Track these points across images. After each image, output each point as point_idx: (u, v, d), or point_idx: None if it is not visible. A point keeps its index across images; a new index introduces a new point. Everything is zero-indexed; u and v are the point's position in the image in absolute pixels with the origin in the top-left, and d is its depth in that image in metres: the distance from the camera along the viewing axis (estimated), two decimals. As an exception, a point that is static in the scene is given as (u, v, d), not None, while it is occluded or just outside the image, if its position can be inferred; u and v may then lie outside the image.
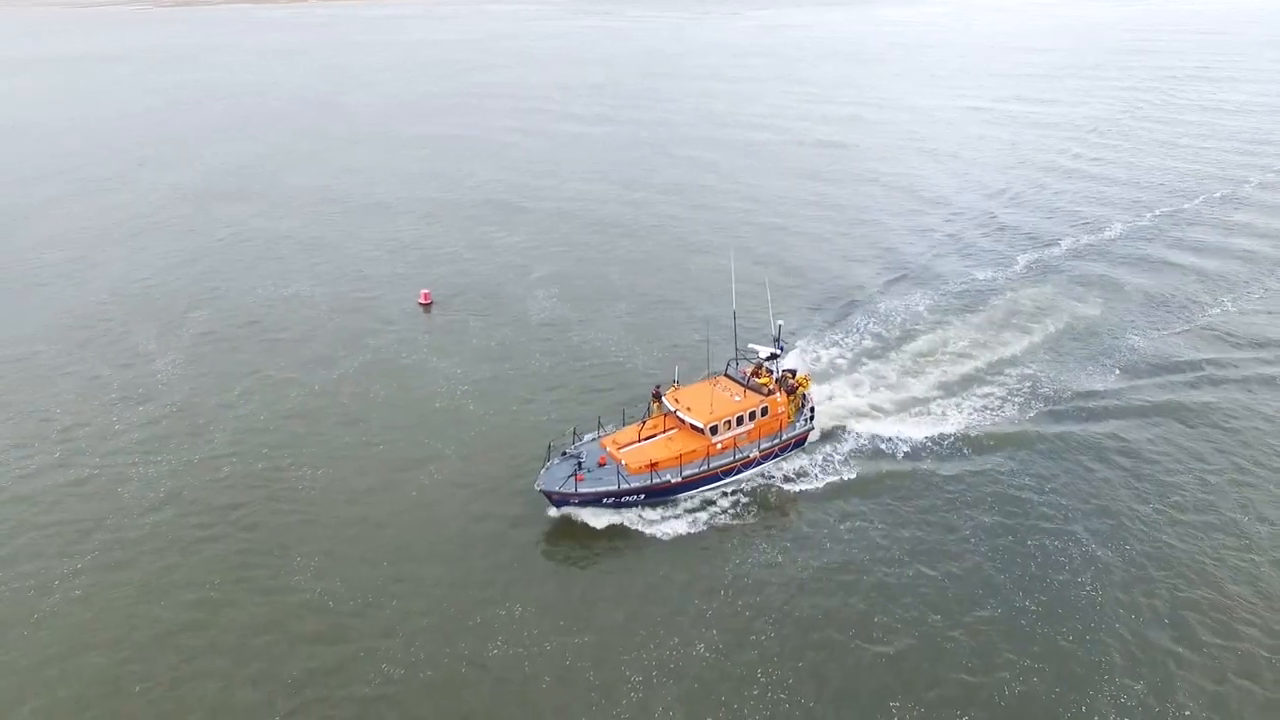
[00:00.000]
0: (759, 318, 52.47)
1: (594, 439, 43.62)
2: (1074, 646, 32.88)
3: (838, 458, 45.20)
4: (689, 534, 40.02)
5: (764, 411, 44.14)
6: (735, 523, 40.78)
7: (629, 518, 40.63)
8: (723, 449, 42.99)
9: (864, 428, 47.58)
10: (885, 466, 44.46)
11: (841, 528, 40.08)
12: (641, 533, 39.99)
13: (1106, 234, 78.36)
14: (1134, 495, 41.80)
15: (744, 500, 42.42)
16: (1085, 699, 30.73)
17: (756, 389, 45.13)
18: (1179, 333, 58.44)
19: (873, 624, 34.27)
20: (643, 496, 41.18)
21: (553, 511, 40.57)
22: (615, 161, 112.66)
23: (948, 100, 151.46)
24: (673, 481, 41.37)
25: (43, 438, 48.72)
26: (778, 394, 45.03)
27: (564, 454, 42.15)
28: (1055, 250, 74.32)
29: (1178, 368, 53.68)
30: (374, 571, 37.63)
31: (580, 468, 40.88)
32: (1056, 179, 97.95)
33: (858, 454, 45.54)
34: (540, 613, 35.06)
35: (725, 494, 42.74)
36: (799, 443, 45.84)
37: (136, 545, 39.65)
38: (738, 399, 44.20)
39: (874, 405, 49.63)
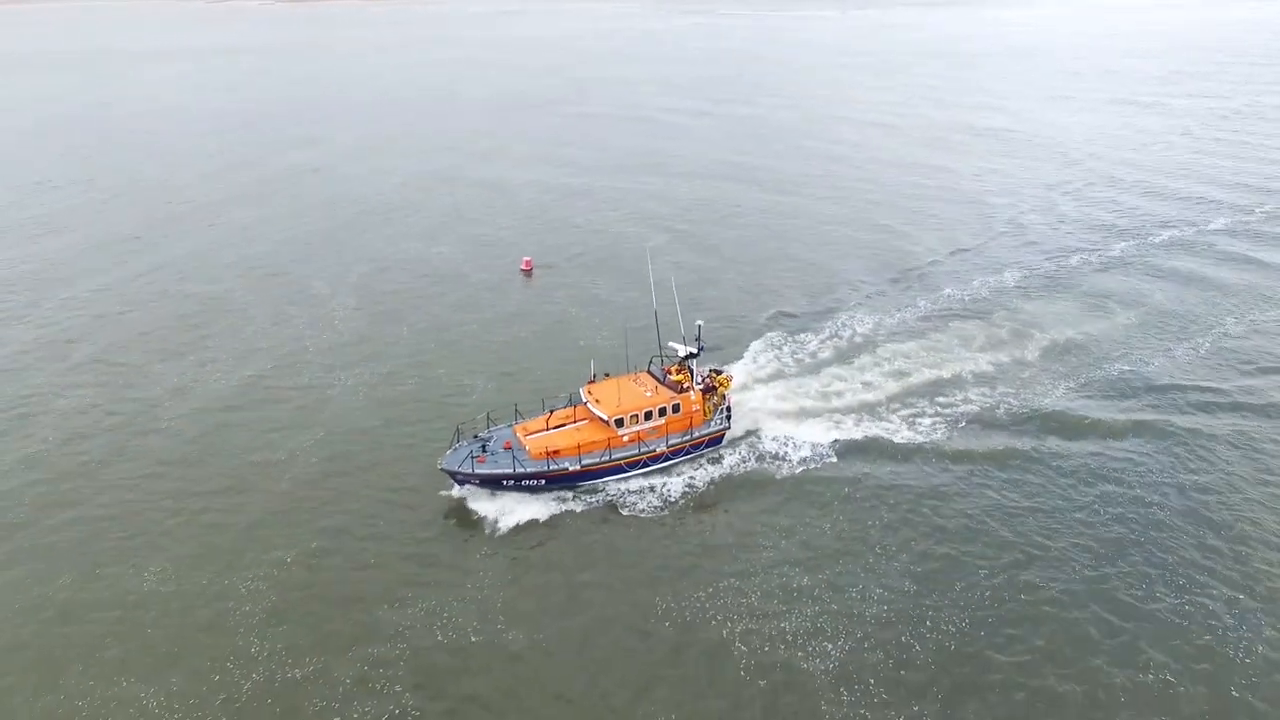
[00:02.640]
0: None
1: (509, 426, 45.73)
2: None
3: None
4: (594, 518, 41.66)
5: (675, 408, 45.16)
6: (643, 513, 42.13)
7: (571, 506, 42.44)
8: (629, 442, 44.30)
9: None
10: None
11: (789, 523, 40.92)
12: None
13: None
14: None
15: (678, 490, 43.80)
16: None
17: (672, 386, 46.22)
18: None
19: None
20: (542, 482, 43.01)
21: (455, 490, 42.89)
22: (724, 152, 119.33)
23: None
24: (570, 469, 43.01)
25: (256, 350, 58.85)
26: (692, 392, 45.95)
27: (475, 437, 44.47)
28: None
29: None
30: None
31: (484, 450, 43.15)
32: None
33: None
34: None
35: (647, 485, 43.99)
36: (713, 441, 46.59)
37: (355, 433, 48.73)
38: (649, 394, 45.40)
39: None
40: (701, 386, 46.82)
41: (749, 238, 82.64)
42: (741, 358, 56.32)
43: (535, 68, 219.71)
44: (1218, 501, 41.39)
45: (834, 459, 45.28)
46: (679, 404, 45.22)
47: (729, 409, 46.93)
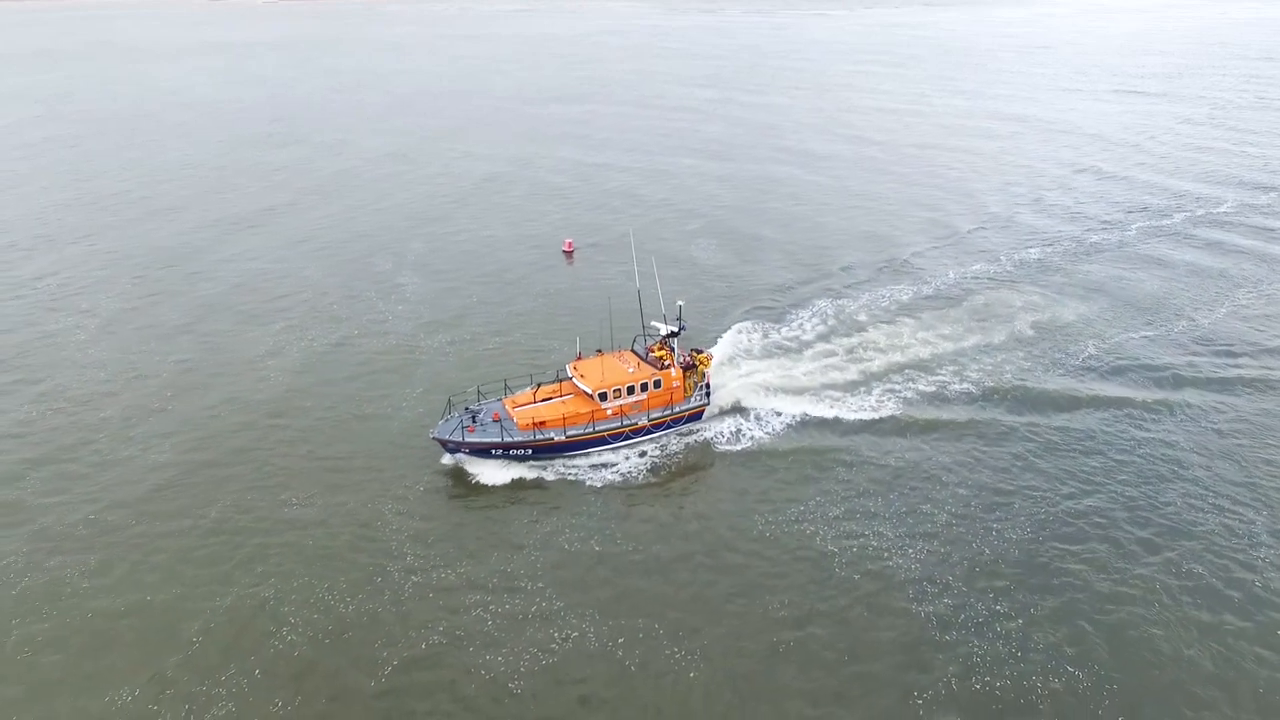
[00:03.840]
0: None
1: (498, 399, 48.21)
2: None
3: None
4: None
5: (657, 384, 47.55)
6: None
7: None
8: (612, 415, 46.72)
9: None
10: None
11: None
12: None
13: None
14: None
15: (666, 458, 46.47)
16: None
17: (654, 363, 48.61)
18: None
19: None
20: (529, 451, 45.49)
21: (446, 459, 45.42)
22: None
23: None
24: (556, 440, 45.46)
25: (339, 319, 64.07)
26: (673, 369, 48.32)
27: (466, 409, 46.96)
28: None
29: None
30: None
31: (474, 421, 45.67)
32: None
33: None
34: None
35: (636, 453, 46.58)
36: (693, 416, 48.96)
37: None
38: (632, 370, 47.80)
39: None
40: (682, 364, 49.16)
41: (782, 214, 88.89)
42: (723, 335, 59.34)
43: (561, 62, 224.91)
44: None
45: (806, 430, 47.67)
46: (660, 380, 47.59)
47: (708, 386, 49.26)
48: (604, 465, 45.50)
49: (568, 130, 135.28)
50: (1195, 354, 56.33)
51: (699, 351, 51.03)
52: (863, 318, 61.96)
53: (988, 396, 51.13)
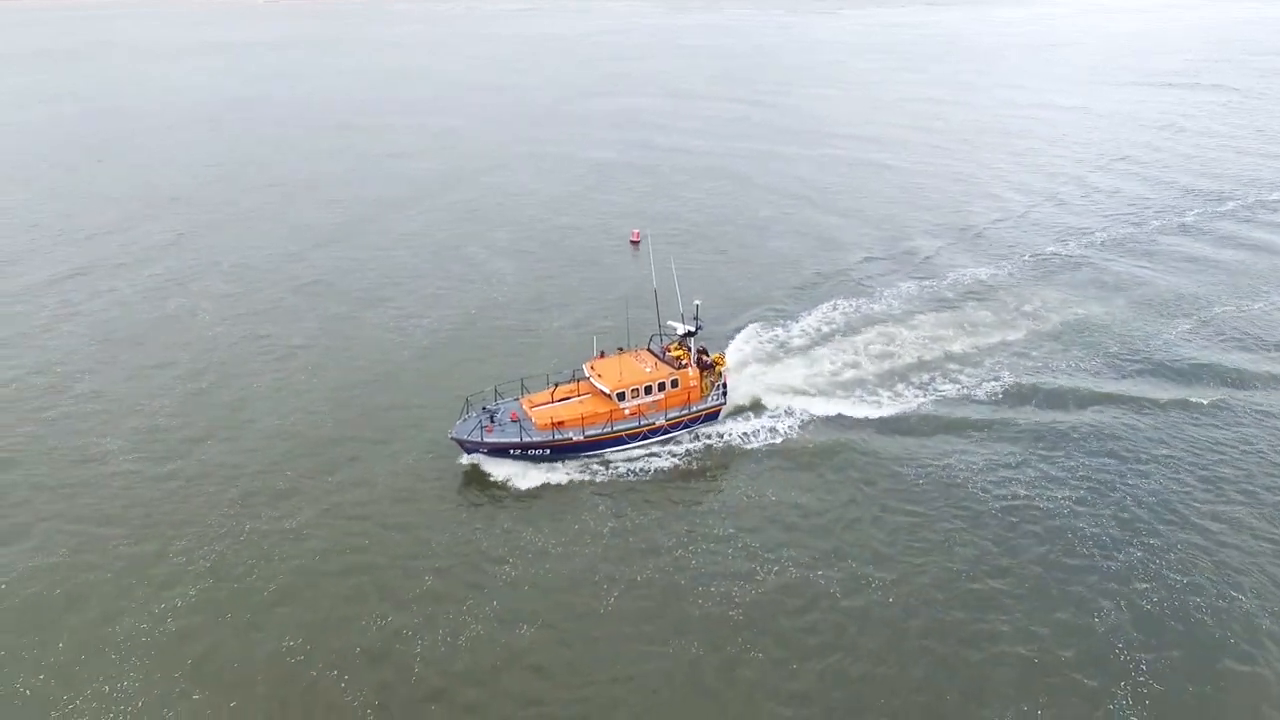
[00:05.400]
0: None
1: (515, 399, 48.21)
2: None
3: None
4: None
5: (674, 384, 47.53)
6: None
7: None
8: (630, 415, 46.71)
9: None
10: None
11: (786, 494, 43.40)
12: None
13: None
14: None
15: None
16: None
17: (670, 362, 48.61)
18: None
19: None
20: (547, 451, 45.48)
21: (464, 459, 45.39)
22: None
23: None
24: (574, 439, 45.45)
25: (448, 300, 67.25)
26: (690, 368, 48.30)
27: (483, 409, 46.95)
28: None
29: None
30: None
31: (492, 420, 45.67)
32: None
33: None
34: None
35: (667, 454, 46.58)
36: (710, 416, 48.92)
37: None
38: (649, 370, 47.80)
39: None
40: (699, 363, 49.14)
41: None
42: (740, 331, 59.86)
43: (579, 60, 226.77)
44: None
45: (819, 428, 47.69)
46: (677, 379, 47.57)
47: (725, 385, 49.24)
48: (622, 463, 45.54)
49: (613, 122, 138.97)
50: None
51: (704, 353, 50.87)
52: (885, 311, 62.41)
53: (1029, 396, 51.04)
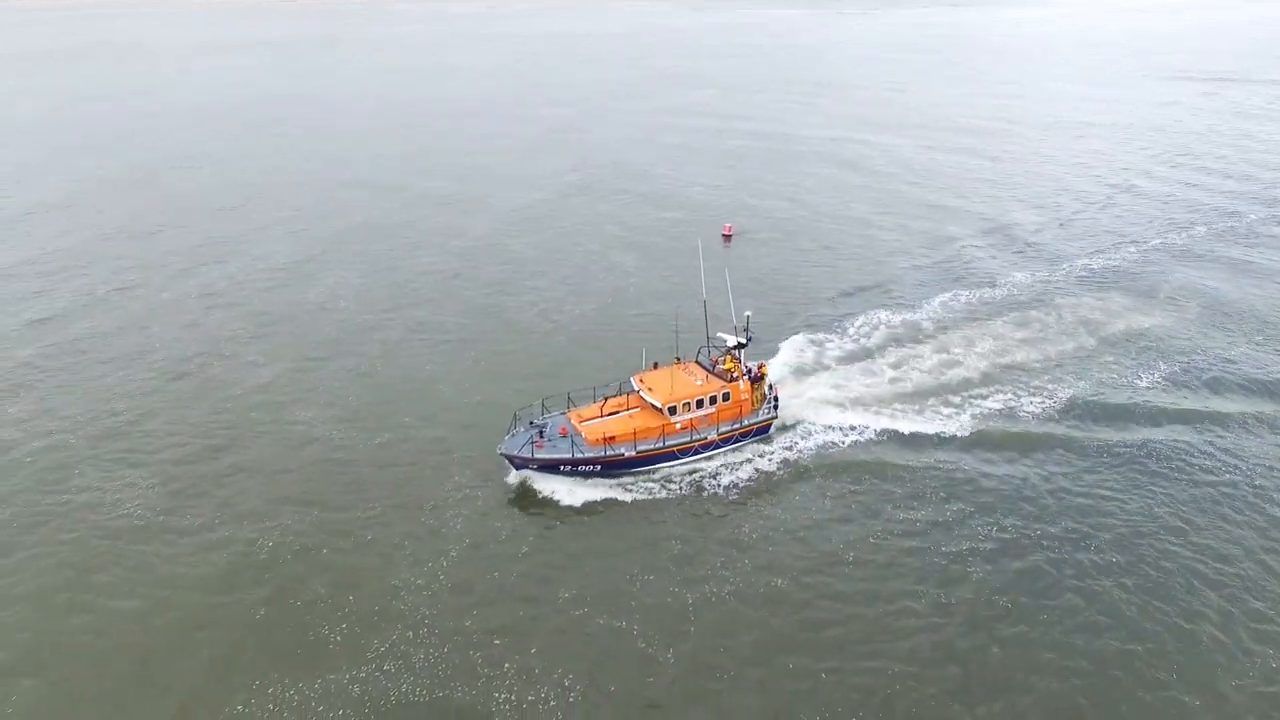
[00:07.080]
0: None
1: (562, 413, 47.37)
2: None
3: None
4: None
5: (725, 397, 46.48)
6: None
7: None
8: (681, 429, 45.71)
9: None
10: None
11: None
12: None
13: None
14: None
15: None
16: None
17: (721, 375, 47.57)
18: None
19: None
20: (598, 467, 44.57)
21: (512, 477, 44.55)
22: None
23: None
24: (627, 455, 44.50)
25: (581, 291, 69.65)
26: (741, 381, 47.24)
27: (530, 423, 46.14)
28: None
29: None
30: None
31: (541, 436, 44.86)
32: None
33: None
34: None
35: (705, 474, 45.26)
36: (761, 430, 47.80)
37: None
38: (700, 383, 46.78)
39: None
40: (750, 376, 48.08)
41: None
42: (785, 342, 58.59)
43: (605, 60, 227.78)
44: None
45: (874, 444, 46.42)
46: (729, 393, 46.52)
47: (775, 398, 48.12)
48: (674, 478, 44.55)
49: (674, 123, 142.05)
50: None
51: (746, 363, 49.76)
52: (935, 325, 60.92)
53: (1093, 414, 49.44)
